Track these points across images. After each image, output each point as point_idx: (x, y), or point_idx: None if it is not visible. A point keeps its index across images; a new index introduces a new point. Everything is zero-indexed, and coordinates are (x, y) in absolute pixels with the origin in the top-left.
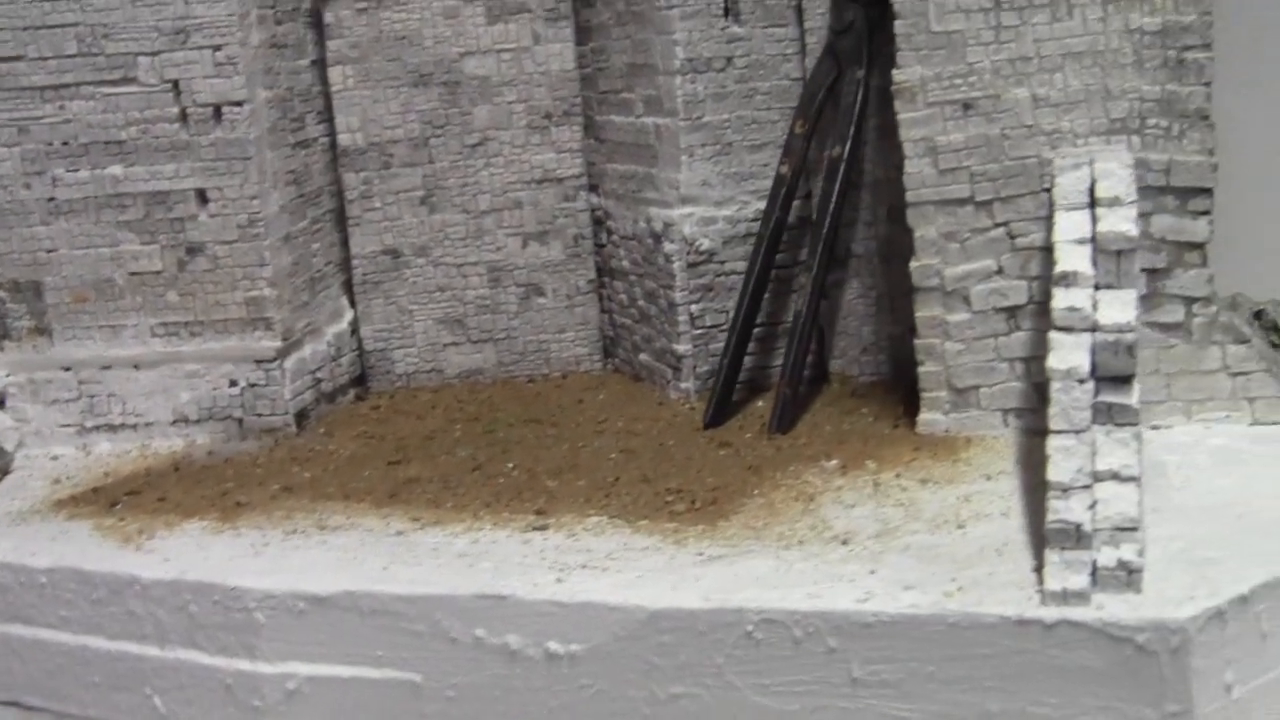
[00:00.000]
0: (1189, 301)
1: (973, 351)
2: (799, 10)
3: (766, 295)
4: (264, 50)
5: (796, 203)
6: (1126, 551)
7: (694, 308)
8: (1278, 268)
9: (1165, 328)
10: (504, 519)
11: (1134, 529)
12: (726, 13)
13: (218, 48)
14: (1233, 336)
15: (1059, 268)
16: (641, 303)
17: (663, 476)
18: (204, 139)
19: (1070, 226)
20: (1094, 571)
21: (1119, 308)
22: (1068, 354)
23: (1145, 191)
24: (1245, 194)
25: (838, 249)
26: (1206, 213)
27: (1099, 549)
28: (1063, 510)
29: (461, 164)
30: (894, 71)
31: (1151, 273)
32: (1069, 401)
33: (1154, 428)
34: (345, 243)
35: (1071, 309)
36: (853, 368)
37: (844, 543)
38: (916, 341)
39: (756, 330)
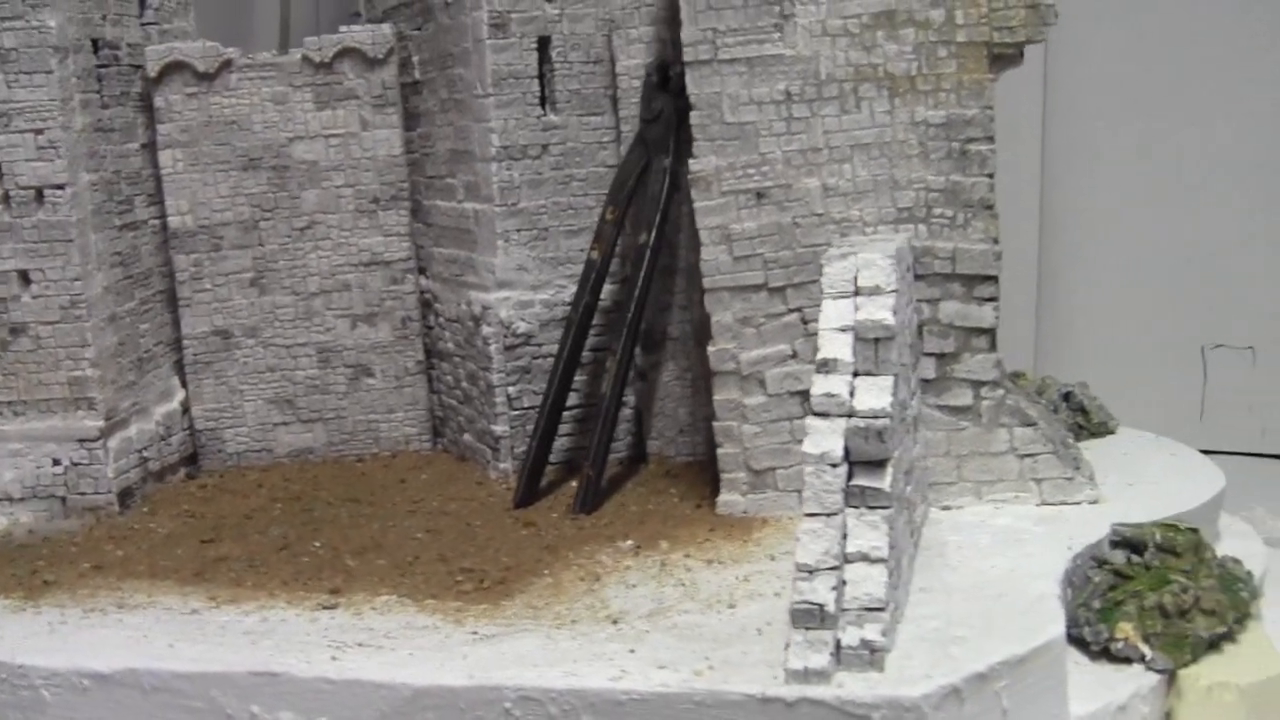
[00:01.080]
0: (977, 385)
1: (769, 434)
2: (614, 100)
3: (584, 377)
4: (88, 134)
5: (613, 287)
6: (870, 631)
7: (511, 389)
8: (1086, 351)
9: (954, 410)
10: (298, 597)
11: (880, 609)
12: (543, 102)
13: (39, 131)
14: (1019, 419)
15: (820, 354)
16: (465, 384)
17: (461, 556)
18: (26, 221)
19: (834, 314)
20: (838, 650)
21: (875, 394)
22: (821, 439)
23: (933, 279)
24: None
25: (655, 333)
26: (992, 299)
27: (844, 629)
28: (807, 591)
29: (291, 247)
30: (690, 161)
31: (940, 357)
32: (820, 485)
33: (945, 508)
34: (176, 323)
35: (828, 395)
36: (670, 448)
37: (614, 622)
38: (715, 424)
39: (576, 411)
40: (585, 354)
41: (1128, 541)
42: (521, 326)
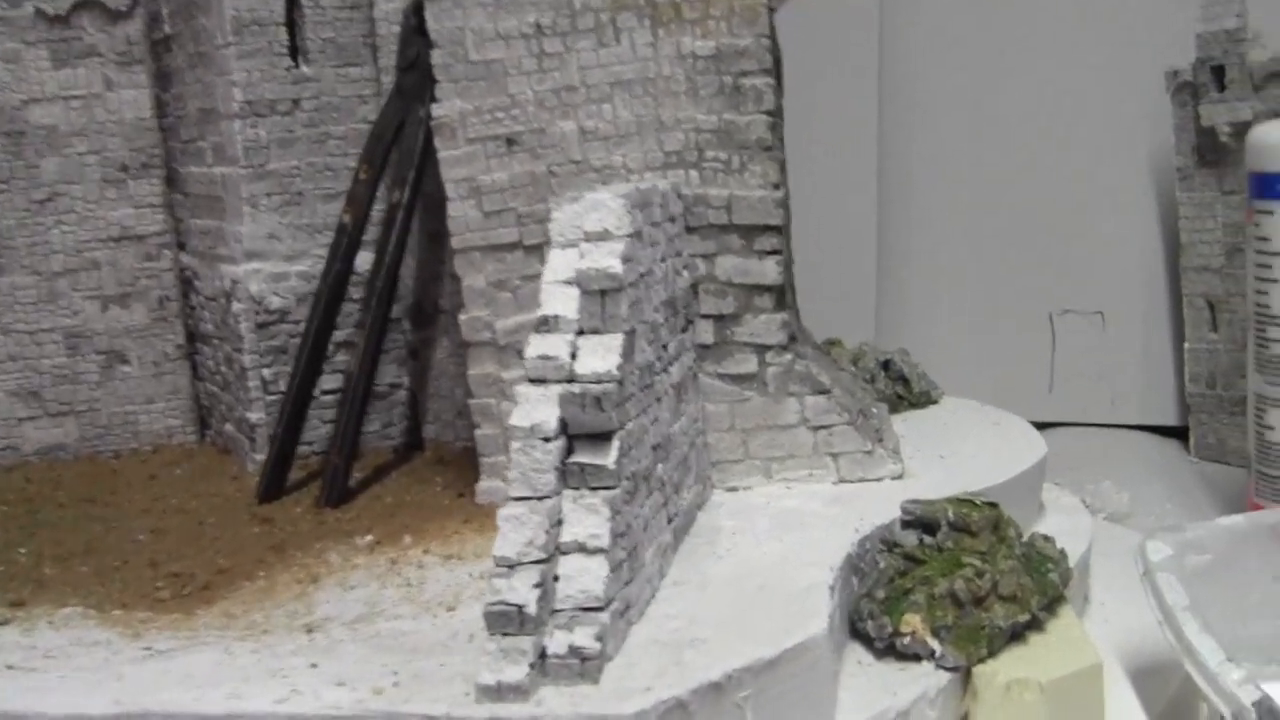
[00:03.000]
0: (761, 350)
1: None
2: (374, 48)
3: (348, 357)
4: None
5: (373, 256)
6: (582, 636)
7: (265, 372)
8: (930, 320)
9: (737, 379)
10: None
11: (598, 609)
12: (293, 52)
13: None
14: (811, 387)
15: (540, 311)
16: (224, 369)
17: (175, 559)
18: None
19: (558, 265)
20: (542, 660)
21: (599, 355)
22: (532, 409)
23: (707, 232)
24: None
25: (425, 305)
26: (775, 252)
27: (551, 634)
28: (504, 590)
29: (30, 221)
30: (432, 106)
31: (719, 319)
32: (529, 463)
33: (731, 489)
34: None
35: (544, 357)
36: (447, 433)
37: (310, 631)
38: (471, 402)
39: (339, 395)
40: (351, 331)
41: (920, 521)
42: (275, 302)
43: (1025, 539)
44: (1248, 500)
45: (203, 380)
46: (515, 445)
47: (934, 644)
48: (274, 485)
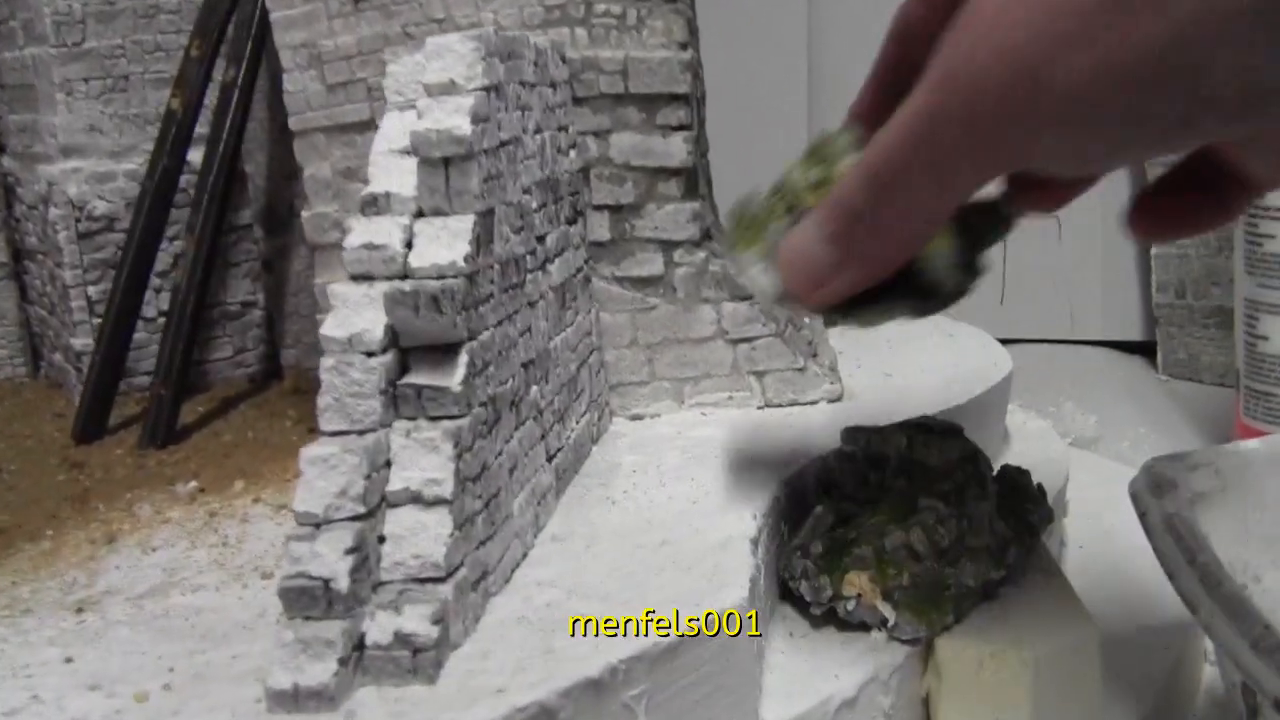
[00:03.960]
0: (668, 247)
1: None
2: None
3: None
4: None
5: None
6: (414, 619)
7: (91, 290)
8: None
9: (639, 283)
10: None
11: (439, 579)
12: None
13: None
14: (729, 291)
15: (366, 189)
16: (49, 289)
17: None
18: None
19: (392, 131)
20: (359, 653)
21: (444, 243)
22: (351, 314)
23: (599, 103)
24: None
25: (278, 208)
26: (684, 128)
27: (371, 616)
28: (305, 558)
29: None
30: None
31: (615, 211)
32: (345, 386)
33: (634, 418)
34: None
35: (370, 247)
36: (309, 358)
37: (80, 610)
38: (320, 318)
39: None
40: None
41: (865, 454)
42: (99, 207)
43: (996, 474)
44: (1235, 422)
45: (31, 304)
46: (327, 363)
47: (886, 610)
48: (93, 423)
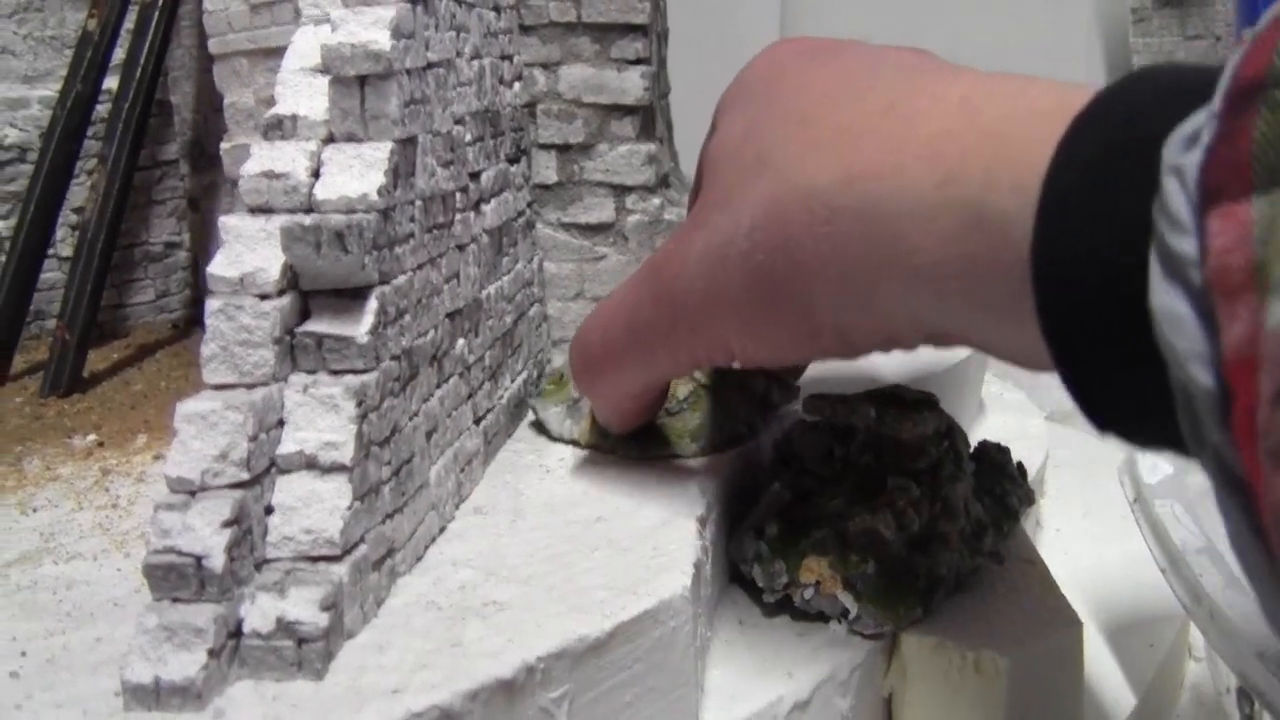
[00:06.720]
0: (620, 192)
1: None
2: None
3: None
4: None
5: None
6: (300, 604)
7: (3, 225)
8: None
9: (587, 230)
10: None
11: (334, 558)
12: None
13: None
14: None
15: (270, 110)
16: None
17: None
18: None
19: (303, 48)
20: (235, 642)
21: (355, 173)
22: (244, 251)
23: (548, 31)
24: None
25: (206, 142)
26: (641, 61)
27: (250, 599)
28: (175, 531)
29: None
30: None
31: (563, 150)
32: (233, 333)
33: None
34: None
35: (269, 175)
36: None
37: None
38: None
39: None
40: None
41: (828, 425)
42: (11, 135)
43: (973, 450)
44: None
45: None
46: (213, 305)
47: (847, 600)
48: None
